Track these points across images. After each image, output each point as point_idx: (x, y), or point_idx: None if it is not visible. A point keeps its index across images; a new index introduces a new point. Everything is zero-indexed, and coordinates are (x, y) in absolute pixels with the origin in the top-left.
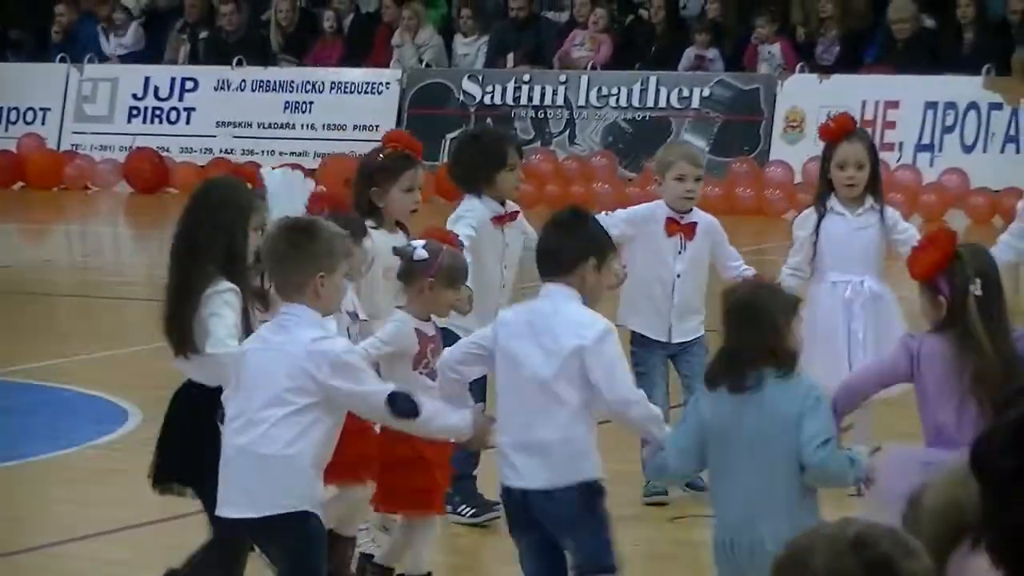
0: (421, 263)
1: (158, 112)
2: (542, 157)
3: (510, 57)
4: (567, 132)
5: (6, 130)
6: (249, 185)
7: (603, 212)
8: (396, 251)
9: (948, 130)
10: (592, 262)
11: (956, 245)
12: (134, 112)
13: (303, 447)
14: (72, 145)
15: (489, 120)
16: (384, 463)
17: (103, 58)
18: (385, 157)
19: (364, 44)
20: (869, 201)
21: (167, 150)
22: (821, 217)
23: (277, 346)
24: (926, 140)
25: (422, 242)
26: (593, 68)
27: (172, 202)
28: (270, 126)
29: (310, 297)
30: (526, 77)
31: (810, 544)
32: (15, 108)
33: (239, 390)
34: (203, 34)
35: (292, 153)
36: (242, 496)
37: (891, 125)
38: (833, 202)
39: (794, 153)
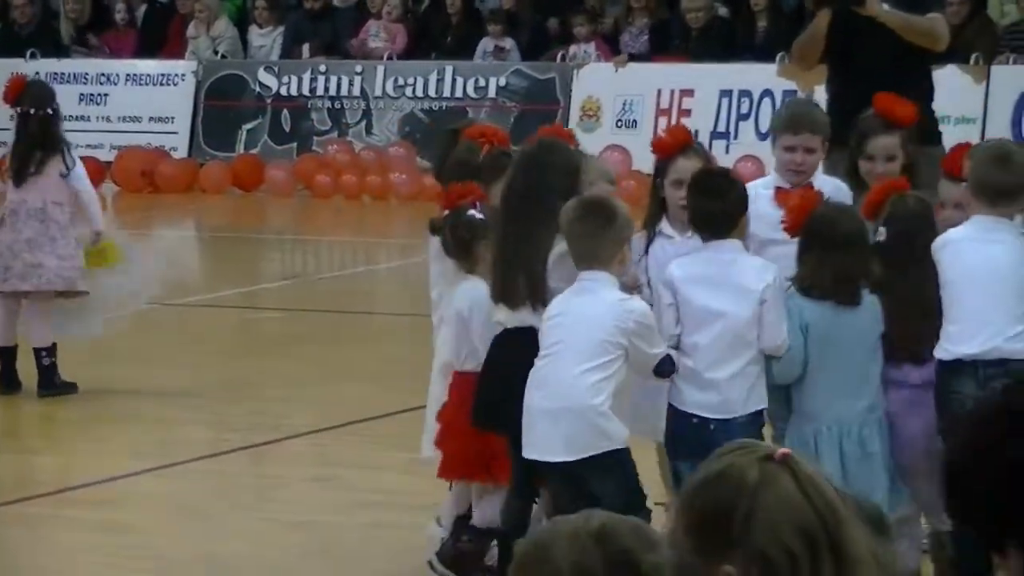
0: None
1: None
2: (339, 148)
3: (305, 48)
4: (364, 123)
5: None
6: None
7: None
8: None
9: (743, 117)
10: (744, 218)
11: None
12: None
13: (606, 395)
14: None
15: (286, 111)
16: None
17: None
18: (489, 155)
19: (158, 35)
20: None
21: None
22: (650, 241)
23: (585, 306)
24: (721, 128)
25: None
26: (390, 58)
27: None
28: (66, 118)
29: (614, 267)
30: (322, 68)
31: (552, 538)
32: None
33: (550, 345)
34: None
35: (88, 146)
36: (556, 442)
37: (686, 113)
38: (664, 224)
39: (590, 142)
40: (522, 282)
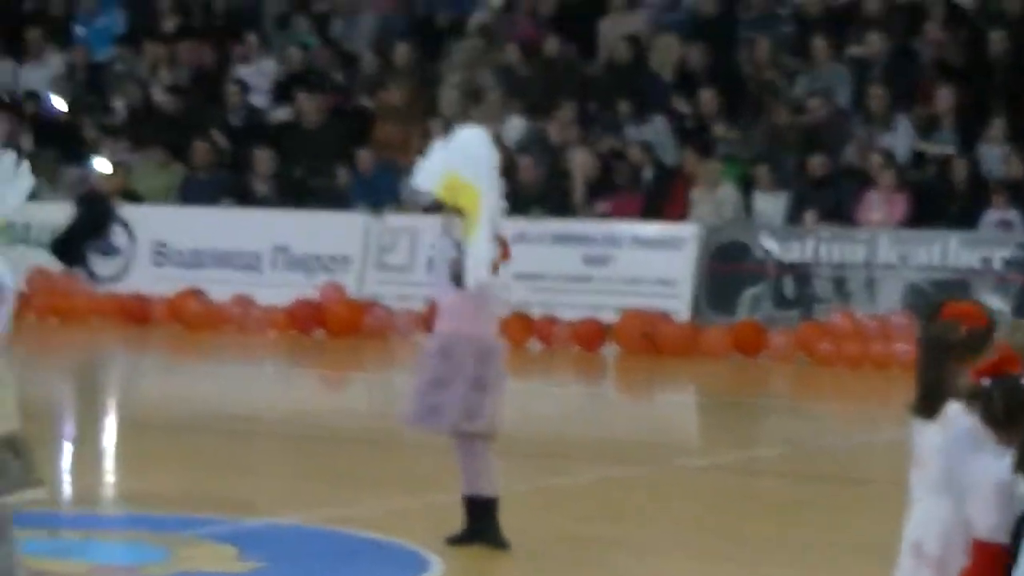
0: None
1: None
2: (841, 316)
3: (809, 214)
4: (867, 291)
5: (307, 278)
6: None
7: None
8: None
9: None
10: None
11: None
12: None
13: None
14: (372, 294)
15: (788, 277)
16: None
17: (402, 207)
18: (969, 333)
19: (662, 198)
20: None
21: None
22: None
23: None
24: None
25: None
26: (892, 227)
27: None
28: (568, 279)
29: None
30: (826, 234)
31: None
32: (316, 256)
33: None
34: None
35: (590, 306)
36: None
37: None
38: None
39: None
40: None
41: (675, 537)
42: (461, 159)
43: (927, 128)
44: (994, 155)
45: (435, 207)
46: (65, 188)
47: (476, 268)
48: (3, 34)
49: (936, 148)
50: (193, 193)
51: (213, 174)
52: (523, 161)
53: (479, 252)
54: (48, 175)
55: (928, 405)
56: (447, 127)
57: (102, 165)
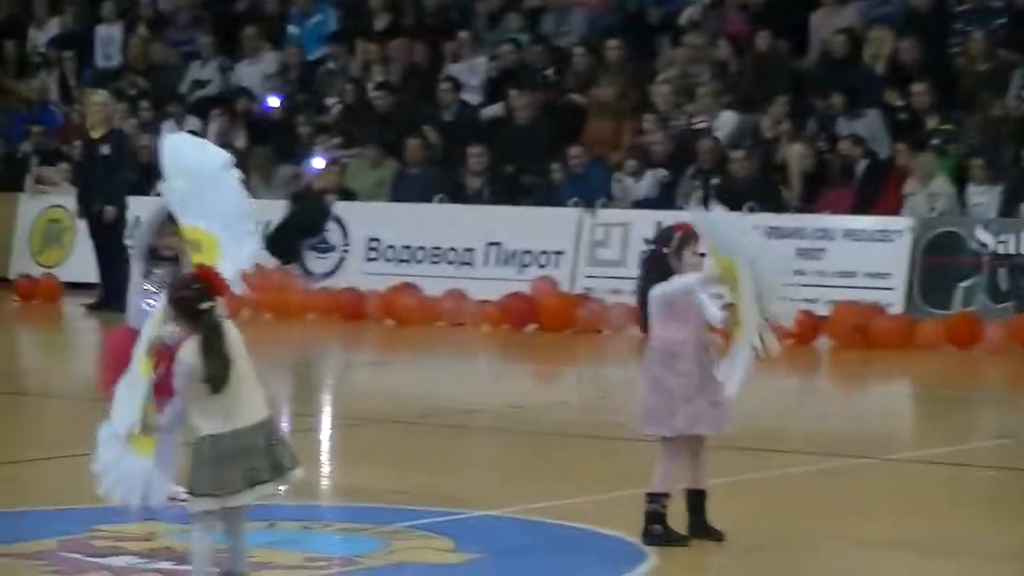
0: None
1: None
2: None
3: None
4: None
5: (520, 272)
6: None
7: None
8: None
9: None
10: None
11: None
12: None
13: None
14: (584, 288)
15: (1003, 270)
16: None
17: (614, 203)
18: None
19: (875, 191)
20: None
21: None
22: None
23: None
24: None
25: None
26: None
27: None
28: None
29: None
30: None
31: None
32: (528, 251)
33: None
34: (715, 180)
35: (804, 300)
36: None
37: None
38: None
39: None
40: None
41: (888, 531)
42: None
43: None
44: None
45: (645, 203)
46: (279, 186)
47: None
48: (218, 33)
49: None
50: (406, 190)
51: (426, 171)
52: (735, 155)
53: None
54: (263, 173)
55: None
56: (660, 123)
57: (316, 163)
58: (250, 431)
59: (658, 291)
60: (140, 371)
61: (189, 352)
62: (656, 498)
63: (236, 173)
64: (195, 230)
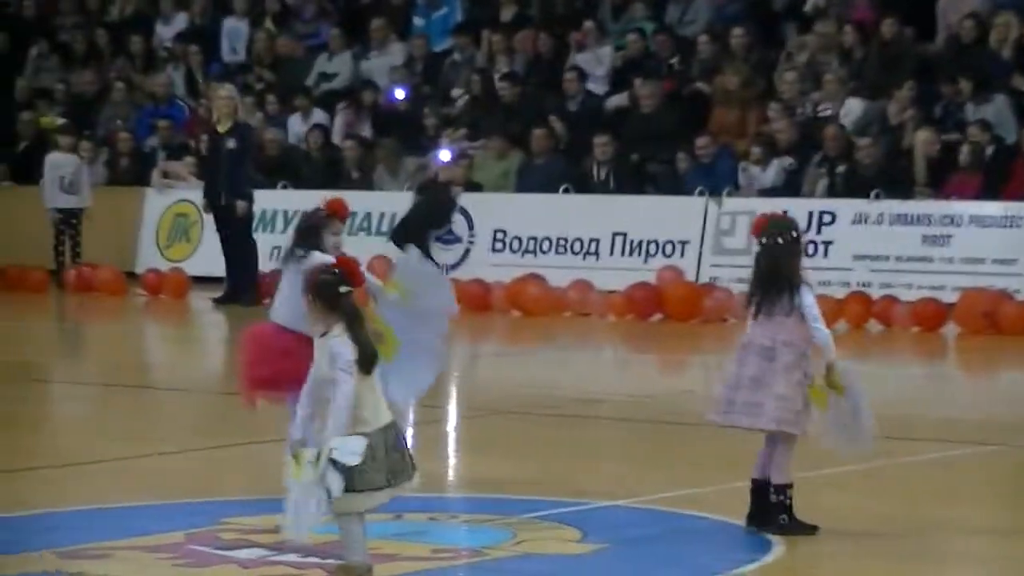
0: None
1: None
2: None
3: None
4: None
5: (645, 262)
6: None
7: None
8: None
9: None
10: None
11: None
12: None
13: None
14: (711, 278)
15: None
16: None
17: (740, 191)
18: None
19: (1002, 177)
20: None
21: None
22: None
23: None
24: None
25: None
26: None
27: None
28: (906, 259)
29: None
30: None
31: None
32: (654, 241)
33: None
34: (841, 168)
35: (931, 287)
36: None
37: None
38: None
39: None
40: None
41: (1013, 519)
42: None
43: None
44: None
45: (772, 191)
46: (405, 178)
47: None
48: (344, 25)
49: None
50: (531, 180)
51: (551, 161)
52: (861, 142)
53: None
54: (388, 165)
55: None
56: (786, 111)
57: (443, 155)
58: (384, 430)
59: (812, 315)
60: None
61: (340, 341)
62: (781, 489)
63: (447, 325)
64: (387, 328)
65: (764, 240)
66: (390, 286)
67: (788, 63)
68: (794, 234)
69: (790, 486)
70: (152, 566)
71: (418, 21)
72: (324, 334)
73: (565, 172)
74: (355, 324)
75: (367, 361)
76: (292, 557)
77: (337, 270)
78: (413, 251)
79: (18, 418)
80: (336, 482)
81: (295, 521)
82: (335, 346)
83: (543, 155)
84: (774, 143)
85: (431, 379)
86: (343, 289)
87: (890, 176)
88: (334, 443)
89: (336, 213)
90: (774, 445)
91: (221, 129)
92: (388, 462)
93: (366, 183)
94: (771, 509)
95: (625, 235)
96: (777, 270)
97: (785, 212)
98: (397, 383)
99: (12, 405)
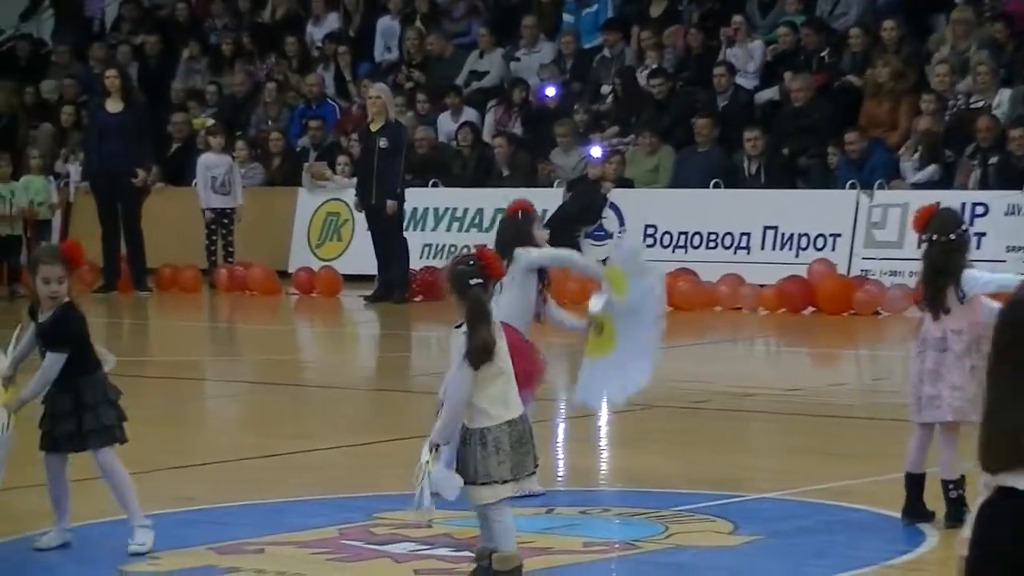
0: None
1: None
2: None
3: None
4: None
5: (796, 256)
6: None
7: None
8: None
9: None
10: None
11: None
12: (922, 238)
13: None
14: (862, 271)
15: None
16: None
17: (892, 184)
18: None
19: None
20: None
21: None
22: None
23: None
24: None
25: None
26: None
27: None
28: None
29: None
30: None
31: None
32: (805, 234)
33: None
34: (993, 159)
35: None
36: None
37: None
38: None
39: None
40: None
41: None
42: None
43: None
44: None
45: (923, 184)
46: (557, 174)
47: None
48: (494, 24)
49: None
50: (681, 175)
51: (702, 156)
52: (1014, 133)
53: None
54: (566, 144)
55: None
56: (938, 102)
57: (594, 151)
58: (511, 424)
59: (983, 280)
60: None
61: (461, 333)
62: (958, 485)
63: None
64: (609, 322)
65: (934, 237)
66: (610, 276)
67: (939, 54)
68: (962, 228)
69: (964, 479)
70: (306, 561)
71: (568, 18)
72: (459, 325)
73: (716, 167)
74: (475, 317)
75: (477, 355)
76: (444, 551)
77: (474, 261)
78: (627, 239)
79: (178, 417)
80: (427, 498)
81: (418, 497)
82: (456, 338)
83: (693, 150)
84: (927, 135)
85: (645, 379)
86: (473, 281)
87: None
88: (436, 470)
89: (526, 210)
90: (930, 438)
91: (374, 128)
92: (514, 456)
93: (515, 180)
94: (950, 506)
95: (776, 229)
96: (946, 266)
97: (938, 204)
98: (611, 380)
99: (172, 404)
